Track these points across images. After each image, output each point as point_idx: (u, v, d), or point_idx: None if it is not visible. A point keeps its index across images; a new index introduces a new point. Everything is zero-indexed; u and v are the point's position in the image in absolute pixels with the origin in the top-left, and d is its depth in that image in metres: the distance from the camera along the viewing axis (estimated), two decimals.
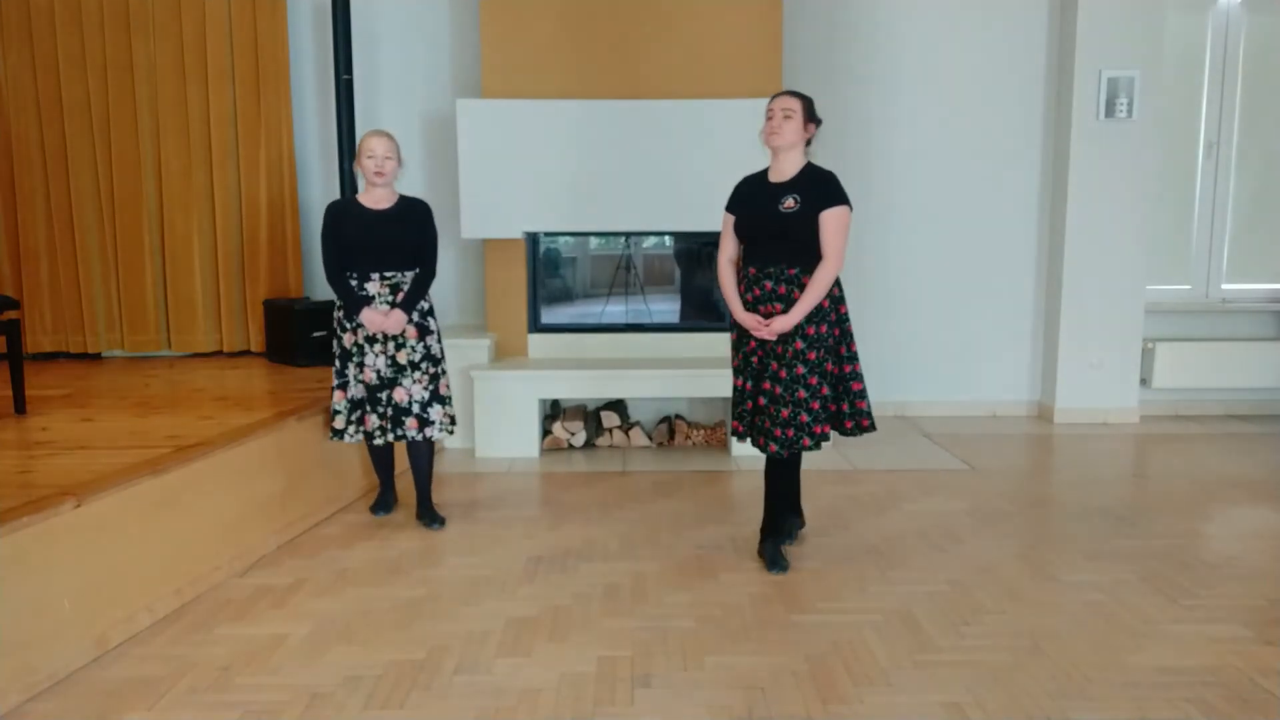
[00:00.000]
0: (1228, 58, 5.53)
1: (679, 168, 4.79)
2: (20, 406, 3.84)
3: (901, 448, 4.95)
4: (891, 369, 5.66)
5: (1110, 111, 5.27)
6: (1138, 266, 5.41)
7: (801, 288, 3.13)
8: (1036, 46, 5.45)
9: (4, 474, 2.90)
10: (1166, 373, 5.48)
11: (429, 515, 3.75)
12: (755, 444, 3.24)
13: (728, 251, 3.29)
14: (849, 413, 3.27)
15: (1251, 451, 4.86)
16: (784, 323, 3.09)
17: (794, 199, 3.12)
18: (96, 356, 5.50)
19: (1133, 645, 2.67)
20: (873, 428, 3.29)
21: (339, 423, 3.65)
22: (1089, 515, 3.83)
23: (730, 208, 3.30)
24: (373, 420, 3.62)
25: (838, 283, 3.20)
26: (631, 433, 5.01)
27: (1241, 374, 5.51)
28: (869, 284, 5.58)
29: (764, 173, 3.26)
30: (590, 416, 5.14)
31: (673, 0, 4.84)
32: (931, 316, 5.62)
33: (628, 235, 5.09)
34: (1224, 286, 5.71)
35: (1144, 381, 5.53)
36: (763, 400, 3.18)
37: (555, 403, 5.24)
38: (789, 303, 3.13)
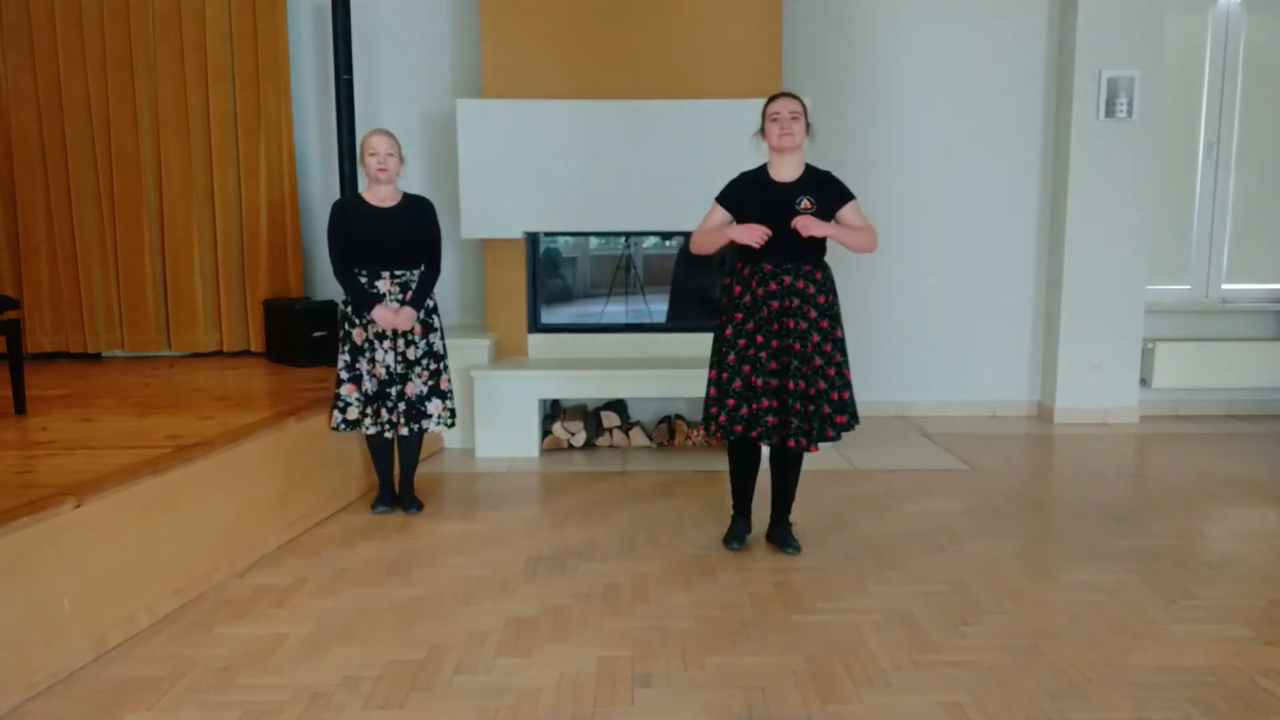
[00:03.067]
0: (1228, 58, 5.53)
1: (680, 168, 4.79)
2: (20, 406, 3.84)
3: (901, 448, 4.95)
4: (892, 369, 5.66)
5: (1110, 111, 5.27)
6: (1138, 266, 5.41)
7: (817, 284, 3.20)
8: (1036, 46, 5.45)
9: (4, 474, 2.90)
10: (1166, 373, 5.49)
11: (409, 500, 3.93)
12: (777, 440, 3.18)
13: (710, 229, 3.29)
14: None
15: (1251, 451, 4.86)
16: (821, 228, 3.10)
17: (810, 200, 3.17)
18: (96, 356, 5.50)
19: (1133, 645, 2.67)
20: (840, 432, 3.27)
21: (352, 414, 3.72)
22: (1089, 515, 3.83)
23: (730, 205, 3.27)
24: (383, 415, 3.70)
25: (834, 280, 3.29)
26: (631, 433, 5.01)
27: (1241, 374, 5.51)
28: (869, 283, 5.57)
29: (763, 171, 3.27)
30: (590, 416, 5.14)
31: (673, 0, 4.84)
32: (932, 316, 5.62)
33: (628, 235, 5.09)
34: (1224, 286, 5.71)
35: (1144, 381, 5.53)
36: (789, 400, 3.14)
37: (555, 403, 5.24)
38: (806, 299, 3.17)
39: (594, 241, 5.20)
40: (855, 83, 5.45)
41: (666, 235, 5.13)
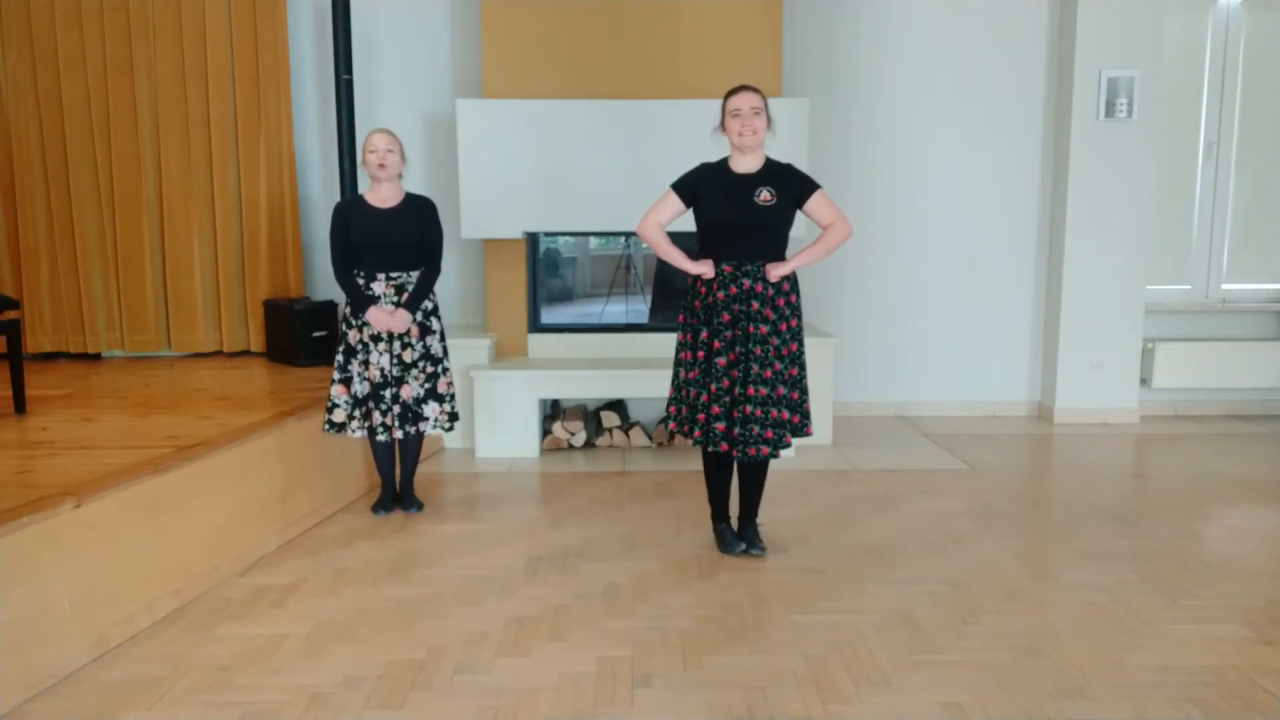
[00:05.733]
0: (1228, 58, 5.53)
1: (680, 168, 4.77)
2: (20, 406, 3.84)
3: (901, 448, 4.95)
4: (892, 369, 5.66)
5: (1110, 111, 5.27)
6: (1138, 266, 5.41)
7: (775, 287, 3.18)
8: (1036, 46, 5.45)
9: (4, 474, 2.91)
10: (1166, 373, 5.48)
11: (409, 500, 3.93)
12: (738, 450, 3.14)
13: (662, 217, 3.27)
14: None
15: (1251, 451, 4.86)
16: (784, 268, 3.16)
17: (769, 191, 3.16)
18: (96, 356, 5.50)
19: (1133, 645, 2.67)
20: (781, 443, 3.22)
21: (338, 416, 3.71)
22: (1089, 515, 3.83)
23: (687, 195, 3.25)
24: (375, 417, 3.67)
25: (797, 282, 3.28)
26: (631, 433, 5.01)
27: (1241, 374, 5.50)
28: (869, 283, 5.58)
29: (723, 164, 3.26)
30: (590, 416, 5.14)
31: (672, 0, 4.84)
32: (932, 317, 5.62)
33: (628, 235, 5.09)
34: (1224, 286, 5.71)
35: (1144, 381, 5.53)
36: (749, 408, 3.12)
37: (555, 403, 5.24)
38: (765, 302, 3.15)
39: (594, 241, 5.20)
40: (855, 83, 5.45)
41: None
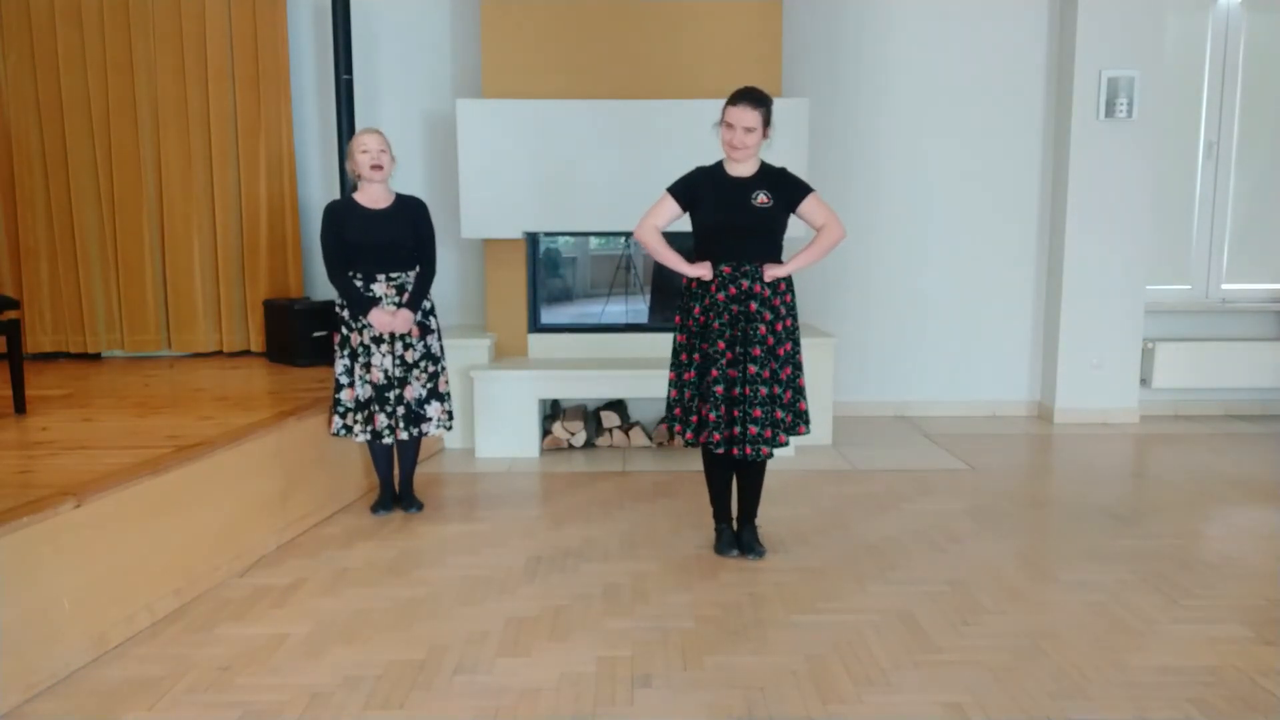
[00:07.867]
0: (1228, 58, 5.53)
1: (680, 168, 4.77)
2: (20, 406, 3.83)
3: (901, 448, 4.95)
4: (892, 369, 5.66)
5: (1110, 111, 5.27)
6: (1138, 266, 5.41)
7: (773, 287, 3.19)
8: (1036, 46, 5.45)
9: (4, 474, 2.91)
10: (1166, 373, 5.48)
11: (408, 500, 3.93)
12: (738, 451, 3.16)
13: (659, 221, 3.27)
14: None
15: (1251, 451, 4.86)
16: (781, 270, 3.19)
17: (766, 195, 3.18)
18: (96, 356, 5.50)
19: (1133, 645, 2.67)
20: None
21: (349, 420, 3.70)
22: (1089, 515, 3.83)
23: (683, 198, 3.26)
24: (381, 420, 3.68)
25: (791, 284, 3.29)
26: (631, 433, 5.01)
27: (1241, 374, 5.50)
28: (869, 283, 5.58)
29: (719, 167, 3.29)
30: (590, 416, 5.14)
31: (673, 0, 4.84)
32: (932, 316, 5.62)
33: (627, 235, 5.09)
34: (1224, 286, 5.71)
35: (1144, 381, 5.53)
36: (748, 408, 3.13)
37: (555, 403, 5.24)
38: (763, 302, 3.17)
39: (594, 241, 5.20)
40: (855, 82, 5.45)
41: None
